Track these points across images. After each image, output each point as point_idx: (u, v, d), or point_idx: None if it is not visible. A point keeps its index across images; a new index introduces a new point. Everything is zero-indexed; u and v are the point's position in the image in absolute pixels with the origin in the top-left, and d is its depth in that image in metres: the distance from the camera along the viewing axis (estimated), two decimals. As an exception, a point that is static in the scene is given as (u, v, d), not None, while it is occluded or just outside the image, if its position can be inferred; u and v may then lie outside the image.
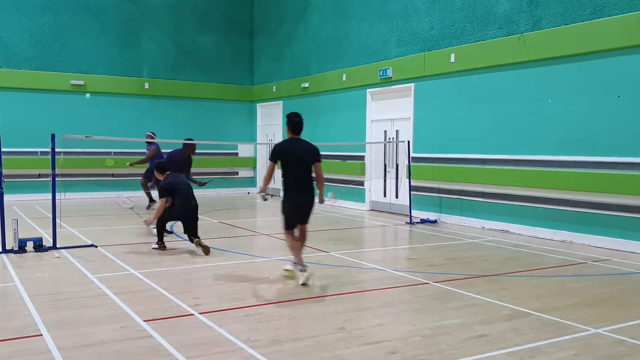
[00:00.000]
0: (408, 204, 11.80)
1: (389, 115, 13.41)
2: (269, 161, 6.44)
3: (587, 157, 9.12)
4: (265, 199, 6.73)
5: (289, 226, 6.57)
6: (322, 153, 17.08)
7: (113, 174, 16.42)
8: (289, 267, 6.69)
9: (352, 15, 14.32)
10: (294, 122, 6.54)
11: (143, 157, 13.31)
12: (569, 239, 9.38)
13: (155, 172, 8.79)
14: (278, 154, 6.41)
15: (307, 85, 16.03)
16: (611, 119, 8.80)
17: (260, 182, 19.00)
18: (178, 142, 11.53)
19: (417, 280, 6.56)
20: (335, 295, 5.88)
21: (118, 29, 16.72)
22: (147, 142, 13.00)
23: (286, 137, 6.65)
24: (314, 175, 6.53)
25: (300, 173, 6.39)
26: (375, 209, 13.84)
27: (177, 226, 10.79)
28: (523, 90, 10.13)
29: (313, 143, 6.65)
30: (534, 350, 4.32)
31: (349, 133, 14.46)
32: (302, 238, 6.65)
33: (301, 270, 6.36)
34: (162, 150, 12.80)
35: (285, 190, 6.54)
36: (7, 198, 8.54)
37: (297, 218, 6.52)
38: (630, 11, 8.52)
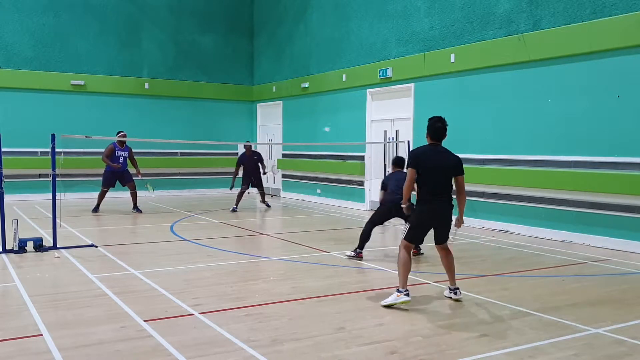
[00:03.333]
0: (408, 204, 11.78)
1: (389, 115, 13.41)
2: (409, 168, 5.60)
3: (587, 157, 9.12)
4: (408, 210, 5.74)
5: (412, 239, 5.68)
6: (321, 153, 16.86)
7: (113, 174, 16.42)
8: (388, 300, 5.47)
9: (352, 15, 14.32)
10: (435, 127, 5.73)
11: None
12: (569, 239, 9.38)
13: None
14: (417, 160, 5.58)
15: (307, 85, 16.03)
16: (611, 119, 8.80)
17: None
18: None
19: (417, 280, 6.56)
20: (335, 295, 5.88)
21: (118, 29, 16.72)
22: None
23: (425, 143, 5.83)
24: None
25: (439, 184, 5.62)
26: (375, 209, 13.82)
27: (175, 226, 10.79)
28: (523, 90, 10.13)
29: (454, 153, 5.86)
30: (534, 350, 4.32)
31: (349, 133, 14.45)
32: (448, 263, 5.80)
33: (405, 294, 5.45)
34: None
35: (419, 199, 5.69)
36: (7, 198, 8.54)
37: (425, 233, 5.75)
38: (630, 11, 8.52)
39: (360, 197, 14.22)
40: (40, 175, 14.88)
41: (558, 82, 9.56)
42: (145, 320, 4.91)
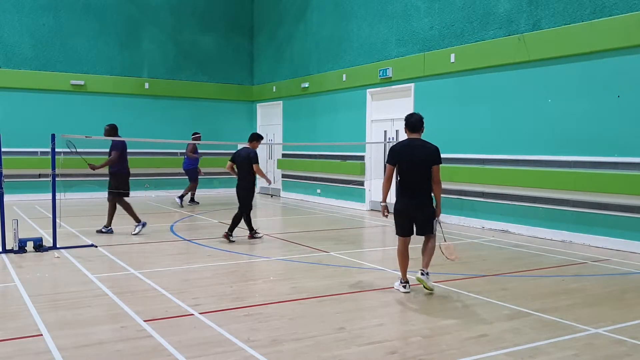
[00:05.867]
0: (408, 204, 11.78)
1: (389, 115, 13.41)
2: (386, 164, 6.02)
3: (587, 157, 9.12)
4: (386, 215, 6.16)
5: (400, 232, 6.05)
6: (321, 153, 16.88)
7: (113, 174, 16.41)
8: (397, 287, 6.09)
9: (352, 15, 14.32)
10: (411, 121, 6.01)
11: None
12: (569, 239, 9.38)
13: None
14: (395, 155, 5.93)
15: (307, 85, 16.03)
16: (611, 119, 8.80)
17: (261, 181, 18.99)
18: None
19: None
20: (335, 295, 5.88)
21: (118, 29, 16.72)
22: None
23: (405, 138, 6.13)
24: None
25: (417, 176, 5.89)
26: (375, 209, 13.84)
27: (175, 226, 10.79)
28: (523, 90, 10.13)
29: (432, 143, 6.03)
30: (534, 350, 4.32)
31: (349, 133, 14.45)
32: (427, 252, 6.06)
33: (403, 286, 6.02)
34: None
35: (397, 193, 6.12)
36: (7, 198, 8.54)
37: (409, 226, 5.99)
38: (630, 11, 8.52)
39: (360, 197, 14.22)
40: (40, 175, 14.87)
41: (558, 82, 9.56)
42: (145, 320, 4.91)
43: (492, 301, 5.69)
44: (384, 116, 13.59)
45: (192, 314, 5.14)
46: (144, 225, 9.75)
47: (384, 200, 6.10)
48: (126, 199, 9.79)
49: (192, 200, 14.81)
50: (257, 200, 16.78)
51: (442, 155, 6.05)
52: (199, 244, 8.87)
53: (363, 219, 12.48)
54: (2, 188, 7.69)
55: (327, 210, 13.92)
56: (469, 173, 11.00)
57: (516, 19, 10.22)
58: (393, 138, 13.30)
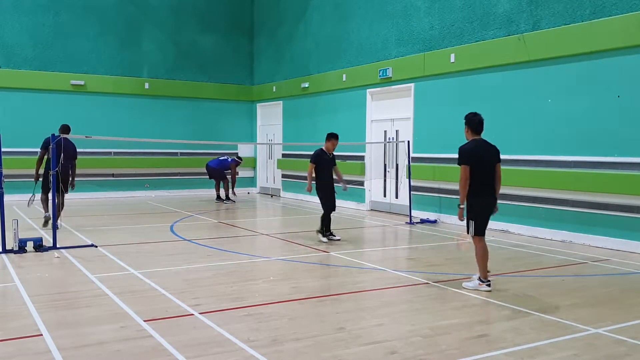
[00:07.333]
0: (408, 204, 11.80)
1: (389, 115, 13.41)
2: (463, 165, 6.09)
3: (587, 157, 9.12)
4: (462, 219, 6.24)
5: (481, 231, 6.18)
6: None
7: (113, 174, 16.43)
8: (469, 285, 6.18)
9: (352, 15, 14.32)
10: (475, 122, 6.27)
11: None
12: (569, 239, 9.38)
13: None
14: (472, 155, 6.11)
15: (307, 85, 16.03)
16: (611, 119, 8.80)
17: (261, 181, 18.98)
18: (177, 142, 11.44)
19: (417, 280, 6.56)
20: (335, 295, 5.88)
21: (118, 29, 16.72)
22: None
23: (469, 139, 6.34)
24: None
25: (488, 175, 6.17)
26: (375, 209, 13.84)
27: (175, 226, 10.79)
28: (523, 90, 10.13)
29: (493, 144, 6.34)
30: (534, 350, 4.32)
31: (349, 133, 14.44)
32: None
33: (487, 284, 6.10)
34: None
35: (472, 193, 6.14)
36: (7, 198, 8.54)
37: (487, 221, 6.22)
38: (630, 11, 8.52)
39: (360, 197, 14.22)
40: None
41: (558, 82, 9.56)
42: (145, 320, 4.91)
43: (492, 301, 5.69)
44: (384, 116, 13.58)
45: (192, 314, 5.14)
46: (49, 225, 9.46)
47: (463, 202, 6.14)
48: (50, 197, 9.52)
49: (219, 198, 15.63)
50: (256, 200, 16.78)
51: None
52: (199, 244, 8.87)
53: (363, 219, 12.48)
54: (2, 188, 7.69)
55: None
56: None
57: (516, 19, 10.22)
58: (393, 138, 13.30)
